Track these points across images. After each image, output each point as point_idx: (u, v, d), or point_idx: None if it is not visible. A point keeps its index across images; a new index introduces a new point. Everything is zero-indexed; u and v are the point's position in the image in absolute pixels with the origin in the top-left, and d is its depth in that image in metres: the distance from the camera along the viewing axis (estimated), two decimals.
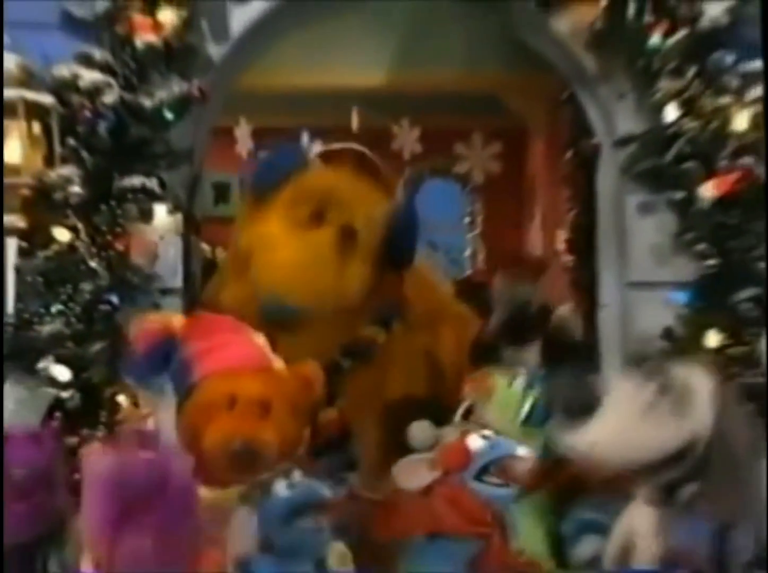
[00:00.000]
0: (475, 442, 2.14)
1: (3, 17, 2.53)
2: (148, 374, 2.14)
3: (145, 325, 2.16)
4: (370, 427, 2.58)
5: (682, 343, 2.55)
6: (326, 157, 2.97)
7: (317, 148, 2.98)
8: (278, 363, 2.16)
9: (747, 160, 2.58)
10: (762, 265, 2.55)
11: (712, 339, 2.53)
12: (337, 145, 3.08)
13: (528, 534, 2.11)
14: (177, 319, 2.22)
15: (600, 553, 2.00)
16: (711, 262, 2.59)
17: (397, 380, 2.62)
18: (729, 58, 2.62)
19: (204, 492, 1.87)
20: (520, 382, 2.34)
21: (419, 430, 2.22)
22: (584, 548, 2.08)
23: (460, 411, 2.31)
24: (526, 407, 2.27)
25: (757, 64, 2.62)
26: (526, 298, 3.30)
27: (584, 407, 1.71)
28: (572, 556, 2.10)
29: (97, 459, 1.75)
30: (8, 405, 2.33)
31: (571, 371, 1.76)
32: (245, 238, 2.62)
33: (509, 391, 2.33)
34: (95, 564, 1.70)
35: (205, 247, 3.22)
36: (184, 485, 1.74)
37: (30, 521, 1.90)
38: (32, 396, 2.36)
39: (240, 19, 2.75)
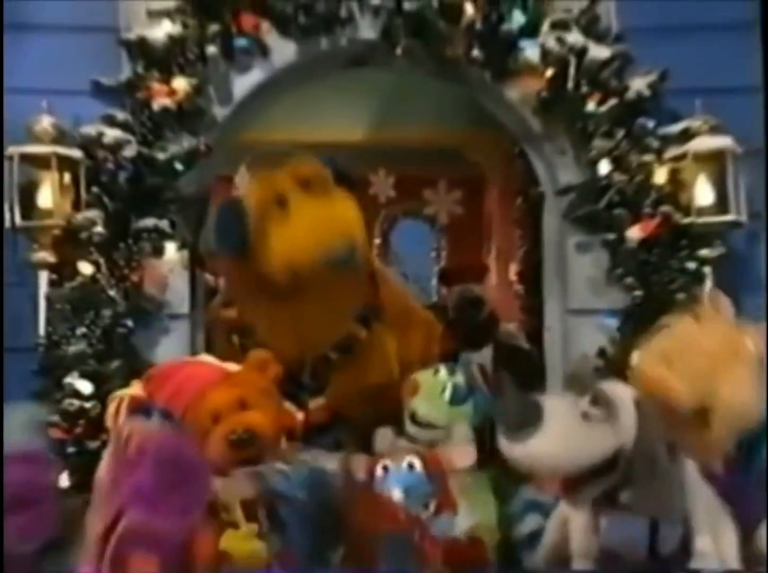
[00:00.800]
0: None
1: (3, 77, 2.58)
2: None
3: (115, 404, 2.12)
4: (354, 412, 2.57)
5: (613, 361, 2.58)
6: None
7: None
8: (231, 366, 2.17)
9: (666, 208, 2.65)
10: (679, 296, 2.62)
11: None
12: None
13: (481, 509, 2.06)
14: (136, 387, 2.19)
15: (540, 530, 2.01)
16: (637, 293, 2.65)
17: (375, 371, 2.62)
18: (651, 123, 2.69)
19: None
20: (443, 371, 2.35)
21: (382, 437, 2.21)
22: (526, 525, 2.07)
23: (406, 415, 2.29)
24: (449, 389, 2.26)
25: (673, 128, 2.70)
26: (475, 295, 3.34)
27: (528, 423, 1.68)
28: (516, 531, 2.09)
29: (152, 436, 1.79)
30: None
31: (516, 391, 1.74)
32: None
33: (434, 379, 2.32)
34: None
35: (208, 277, 3.22)
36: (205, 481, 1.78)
37: (30, 533, 1.81)
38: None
39: (241, 86, 2.79)
